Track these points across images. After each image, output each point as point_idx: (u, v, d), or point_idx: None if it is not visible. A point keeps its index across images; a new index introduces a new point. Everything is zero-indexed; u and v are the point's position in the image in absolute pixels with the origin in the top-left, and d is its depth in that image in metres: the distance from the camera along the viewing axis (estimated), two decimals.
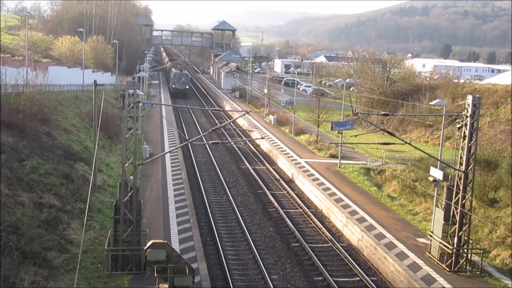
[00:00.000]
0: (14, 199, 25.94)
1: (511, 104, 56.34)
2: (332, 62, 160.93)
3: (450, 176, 28.02)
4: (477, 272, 25.70)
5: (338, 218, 35.04)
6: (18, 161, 30.46)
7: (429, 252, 27.48)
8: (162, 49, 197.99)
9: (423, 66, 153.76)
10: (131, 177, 24.64)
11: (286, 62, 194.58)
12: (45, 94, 47.51)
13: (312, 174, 43.84)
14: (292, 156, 50.74)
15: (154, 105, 68.46)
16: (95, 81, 37.25)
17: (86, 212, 18.01)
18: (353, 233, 32.23)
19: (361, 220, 32.81)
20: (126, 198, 24.20)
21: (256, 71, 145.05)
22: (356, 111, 37.90)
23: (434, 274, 25.25)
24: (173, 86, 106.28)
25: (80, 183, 32.94)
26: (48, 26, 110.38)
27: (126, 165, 24.50)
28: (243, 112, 30.98)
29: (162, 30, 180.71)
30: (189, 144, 37.77)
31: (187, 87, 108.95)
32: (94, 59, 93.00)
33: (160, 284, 13.86)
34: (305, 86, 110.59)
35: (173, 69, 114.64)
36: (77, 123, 49.10)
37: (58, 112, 47.09)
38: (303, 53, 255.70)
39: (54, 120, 43.04)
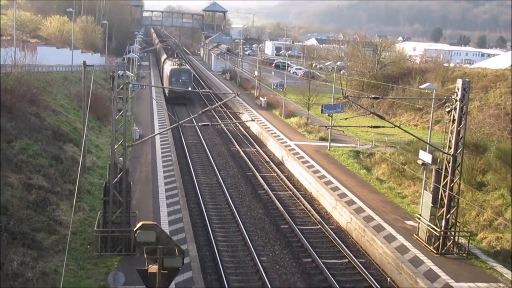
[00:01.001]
0: (2, 180, 25.86)
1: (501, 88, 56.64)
2: (323, 45, 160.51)
3: (438, 160, 28.22)
4: (464, 255, 25.99)
5: (327, 201, 35.24)
6: (6, 142, 30.33)
7: (417, 235, 27.74)
8: (152, 30, 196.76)
9: (414, 49, 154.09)
10: (121, 158, 24.62)
11: (277, 44, 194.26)
12: (34, 75, 47.14)
13: (302, 157, 43.96)
14: (282, 139, 50.82)
15: (144, 86, 68.33)
16: (84, 62, 36.96)
17: (75, 194, 18.02)
18: (342, 216, 32.44)
19: (350, 202, 33.02)
20: (115, 179, 24.18)
21: (246, 53, 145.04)
22: (347, 94, 37.73)
23: (422, 256, 25.51)
24: (170, 86, 73.82)
25: (69, 164, 32.86)
26: (36, 5, 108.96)
27: (116, 146, 24.44)
28: (233, 94, 30.97)
29: (152, 11, 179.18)
30: (179, 126, 37.78)
31: (190, 88, 71.40)
32: (83, 40, 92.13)
33: (150, 265, 13.86)
34: (296, 69, 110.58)
35: (168, 62, 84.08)
36: (66, 104, 48.86)
37: (46, 93, 46.85)
38: (294, 36, 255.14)
39: (42, 101, 42.80)
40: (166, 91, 76.50)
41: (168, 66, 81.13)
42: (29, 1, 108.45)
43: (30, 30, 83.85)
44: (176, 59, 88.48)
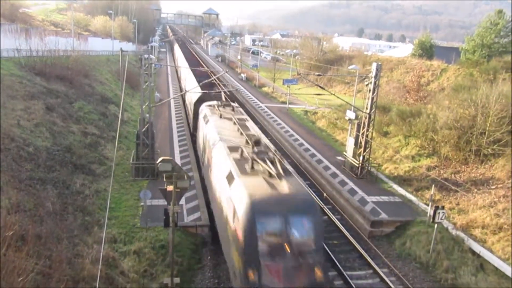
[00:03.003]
0: (67, 129, 25.45)
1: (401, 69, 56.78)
2: (284, 38, 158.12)
3: (359, 116, 28.42)
4: (374, 179, 26.59)
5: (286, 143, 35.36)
6: (69, 103, 29.68)
7: (344, 166, 28.20)
8: (167, 26, 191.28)
9: (345, 42, 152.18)
10: (147, 114, 24.36)
11: (253, 37, 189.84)
12: (86, 57, 45.91)
13: (269, 114, 43.88)
14: (256, 102, 50.54)
15: (162, 65, 66.93)
16: (121, 48, 35.93)
17: (117, 138, 17.82)
18: (296, 153, 32.67)
19: (301, 144, 33.27)
20: (143, 129, 24.00)
21: (232, 43, 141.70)
22: (299, 72, 37.70)
23: (347, 180, 26.01)
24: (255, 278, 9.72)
25: (112, 118, 32.40)
26: (87, 9, 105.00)
27: (144, 106, 24.14)
28: (224, 71, 30.54)
29: (167, 13, 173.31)
30: (186, 92, 37.37)
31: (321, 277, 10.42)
32: (120, 33, 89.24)
33: (168, 186, 13.93)
34: (266, 55, 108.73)
35: (212, 127, 19.73)
36: (109, 77, 47.70)
37: (96, 70, 45.69)
38: (265, 32, 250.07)
39: (93, 75, 41.81)
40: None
41: (232, 165, 14.03)
42: (81, 4, 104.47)
43: (83, 26, 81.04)
44: (234, 111, 23.86)
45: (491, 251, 18.02)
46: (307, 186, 22.29)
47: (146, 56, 24.07)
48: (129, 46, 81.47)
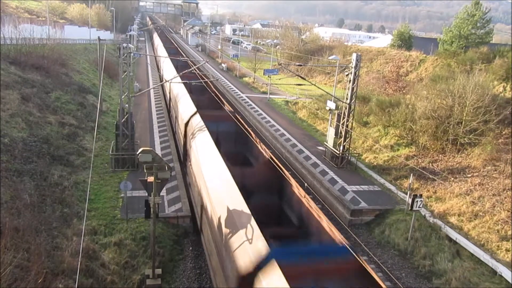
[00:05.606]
0: (44, 119, 24.87)
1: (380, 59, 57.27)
2: (265, 28, 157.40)
3: (339, 107, 28.62)
4: (354, 168, 26.90)
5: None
6: (45, 93, 28.96)
7: (325, 156, 28.44)
8: (146, 15, 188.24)
9: (325, 33, 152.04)
10: (127, 105, 23.97)
11: (234, 27, 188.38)
12: (63, 46, 44.76)
13: (250, 104, 43.79)
14: (237, 92, 50.33)
15: (141, 55, 65.90)
16: (98, 37, 35.31)
17: (96, 129, 17.53)
18: (277, 143, 32.73)
19: (282, 135, 33.35)
20: (123, 119, 23.64)
21: (213, 33, 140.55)
22: (280, 62, 37.60)
23: (327, 170, 26.26)
24: None
25: (90, 109, 31.79)
26: None
27: (123, 96, 23.74)
28: (204, 61, 30.25)
29: (146, 2, 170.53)
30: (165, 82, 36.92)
31: None
32: (97, 21, 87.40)
33: (148, 177, 13.81)
34: (246, 44, 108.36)
35: None
36: (87, 67, 46.70)
37: (72, 59, 44.65)
38: (245, 21, 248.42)
39: (70, 64, 40.86)
40: None
41: None
42: None
43: (58, 14, 78.98)
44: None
45: (467, 238, 18.54)
46: None
47: (124, 45, 23.65)
48: (107, 35, 79.76)
